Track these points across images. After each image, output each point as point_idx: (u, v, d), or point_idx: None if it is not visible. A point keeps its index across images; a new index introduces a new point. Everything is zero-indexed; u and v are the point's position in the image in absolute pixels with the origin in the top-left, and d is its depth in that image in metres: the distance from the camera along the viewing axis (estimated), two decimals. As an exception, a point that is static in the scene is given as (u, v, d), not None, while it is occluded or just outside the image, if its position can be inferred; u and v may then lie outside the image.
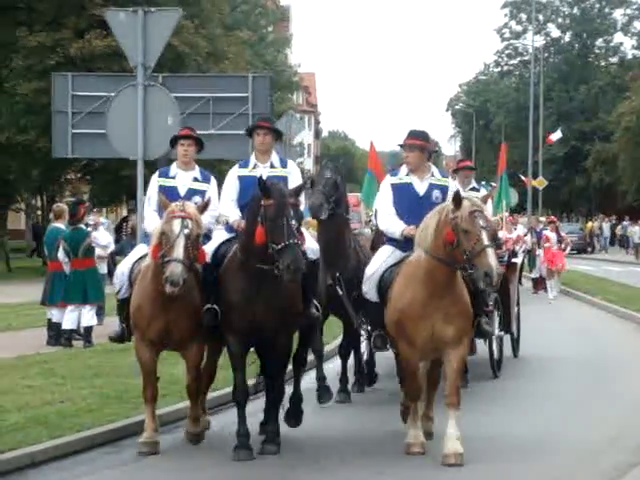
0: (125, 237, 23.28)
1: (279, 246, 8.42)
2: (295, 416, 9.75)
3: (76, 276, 15.56)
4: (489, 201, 10.19)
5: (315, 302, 9.30)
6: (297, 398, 9.87)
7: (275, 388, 9.25)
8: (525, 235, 28.16)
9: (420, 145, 9.25)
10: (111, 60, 28.87)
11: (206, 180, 9.68)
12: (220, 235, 9.50)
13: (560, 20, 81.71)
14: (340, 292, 10.90)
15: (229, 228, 9.40)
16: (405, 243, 9.06)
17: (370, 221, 14.49)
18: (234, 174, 9.58)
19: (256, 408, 9.71)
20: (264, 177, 9.00)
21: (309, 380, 11.74)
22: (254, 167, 9.47)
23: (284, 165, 9.62)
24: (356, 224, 14.71)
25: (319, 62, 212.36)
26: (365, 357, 12.52)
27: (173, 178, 9.60)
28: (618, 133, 63.12)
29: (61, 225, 16.26)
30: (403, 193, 9.22)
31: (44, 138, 26.96)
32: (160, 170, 9.88)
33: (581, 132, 74.03)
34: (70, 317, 15.54)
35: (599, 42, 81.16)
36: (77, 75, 16.26)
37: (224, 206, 9.49)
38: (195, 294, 8.98)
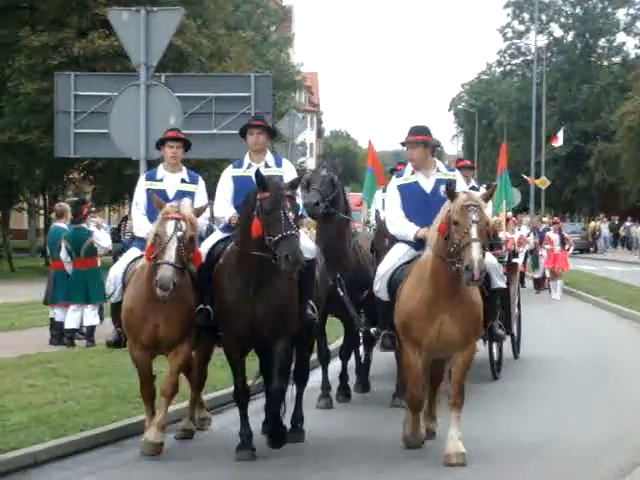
0: (124, 237, 23.28)
1: (276, 237, 8.28)
2: (295, 437, 9.48)
3: (78, 276, 15.56)
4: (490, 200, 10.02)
5: (311, 303, 9.10)
6: (299, 418, 9.65)
7: (274, 391, 8.96)
8: (528, 235, 28.18)
9: (423, 140, 9.10)
10: (114, 60, 28.87)
11: (194, 181, 9.55)
12: (215, 235, 9.40)
13: (563, 20, 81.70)
14: (341, 293, 10.75)
15: (225, 228, 9.30)
16: (419, 243, 8.90)
17: (369, 222, 14.40)
18: (228, 174, 9.48)
19: (257, 407, 9.70)
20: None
21: (310, 380, 11.68)
22: (248, 167, 9.33)
23: (279, 164, 9.49)
24: (357, 223, 14.66)
25: (321, 62, 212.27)
26: (362, 359, 12.34)
27: (161, 181, 9.45)
28: (621, 133, 63.06)
29: (63, 224, 16.27)
30: (410, 193, 9.03)
31: (47, 138, 26.96)
32: (147, 173, 9.76)
33: (584, 132, 74.01)
34: (73, 317, 15.55)
35: (602, 42, 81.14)
36: (80, 75, 16.32)
37: (219, 207, 9.40)
38: (188, 297, 8.86)
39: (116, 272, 9.29)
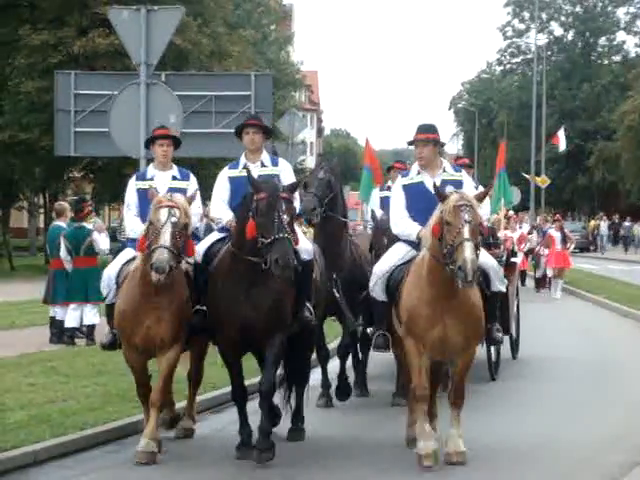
0: (119, 236, 23.23)
1: (268, 240, 8.21)
2: (296, 437, 9.51)
3: (78, 274, 15.56)
4: (486, 199, 9.94)
5: (309, 305, 8.98)
6: (299, 417, 9.63)
7: (264, 384, 8.79)
8: (529, 233, 28.19)
9: (434, 138, 8.93)
10: (114, 58, 28.85)
11: (185, 178, 9.45)
12: (212, 236, 9.30)
13: (563, 18, 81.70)
14: (337, 294, 10.62)
15: (222, 229, 9.22)
16: (421, 243, 8.76)
17: (367, 220, 14.34)
18: (224, 175, 9.40)
19: (256, 407, 9.67)
20: (255, 176, 8.82)
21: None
22: (244, 167, 9.19)
23: (275, 163, 9.40)
24: (357, 222, 14.64)
25: (321, 60, 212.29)
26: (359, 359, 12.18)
27: (151, 180, 9.34)
28: (621, 132, 63.08)
29: (62, 223, 16.27)
30: (415, 193, 8.88)
31: (47, 136, 26.95)
32: (137, 174, 9.66)
33: (584, 131, 73.99)
34: (73, 315, 15.55)
35: (602, 40, 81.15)
36: (80, 73, 16.31)
37: (215, 208, 9.33)
38: (182, 295, 8.77)
39: (110, 273, 9.19)
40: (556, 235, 26.64)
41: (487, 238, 12.71)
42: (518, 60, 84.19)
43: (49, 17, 32.79)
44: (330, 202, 10.98)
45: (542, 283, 28.30)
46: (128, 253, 9.23)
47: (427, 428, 8.64)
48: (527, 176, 52.22)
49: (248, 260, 8.45)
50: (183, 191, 9.21)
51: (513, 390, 12.75)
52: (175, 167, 9.54)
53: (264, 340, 8.71)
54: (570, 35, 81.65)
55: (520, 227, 26.21)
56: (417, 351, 8.58)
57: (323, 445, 9.50)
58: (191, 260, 8.99)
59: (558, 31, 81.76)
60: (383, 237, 10.12)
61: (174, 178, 9.41)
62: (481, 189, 12.29)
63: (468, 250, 7.96)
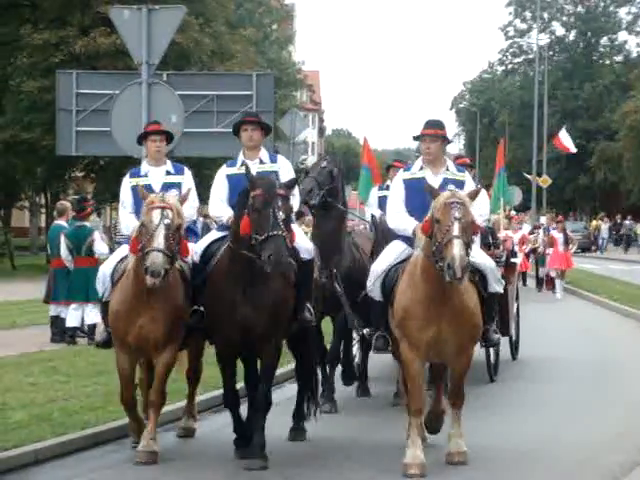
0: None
1: (262, 237, 8.11)
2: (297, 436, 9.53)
3: (79, 274, 15.56)
4: (483, 197, 9.73)
5: (309, 306, 8.83)
6: (301, 417, 9.59)
7: (259, 396, 8.75)
8: (530, 234, 28.21)
9: (442, 135, 8.79)
10: (115, 58, 28.85)
11: (179, 172, 9.34)
12: (211, 235, 9.19)
13: (565, 18, 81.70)
14: (338, 289, 10.45)
15: (222, 227, 9.13)
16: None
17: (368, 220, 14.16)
18: (222, 174, 9.25)
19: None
20: (253, 173, 8.77)
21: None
22: (242, 164, 9.08)
23: (274, 160, 9.28)
24: (359, 222, 14.53)
25: (323, 60, 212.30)
26: (356, 360, 12.02)
27: (145, 176, 9.24)
28: (623, 132, 63.07)
29: (63, 222, 16.27)
30: (415, 189, 8.70)
31: (49, 136, 26.94)
32: (130, 171, 9.51)
33: (585, 131, 73.94)
34: (74, 315, 15.55)
35: (604, 40, 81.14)
36: (81, 73, 16.29)
37: (215, 206, 9.18)
38: (177, 295, 8.66)
39: (105, 271, 9.12)
40: (558, 236, 26.67)
41: (486, 238, 12.67)
42: (520, 60, 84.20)
43: (51, 16, 32.80)
44: (330, 190, 10.79)
45: (546, 283, 28.25)
46: (123, 250, 9.13)
47: (418, 439, 8.46)
48: (528, 176, 52.20)
49: (245, 256, 8.35)
50: (178, 186, 9.14)
51: (513, 390, 12.74)
52: (169, 162, 9.44)
53: (262, 341, 8.61)
54: (572, 35, 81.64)
55: (520, 228, 26.21)
56: (412, 356, 8.40)
57: (324, 445, 9.49)
58: (188, 259, 8.90)
59: (560, 31, 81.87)
60: (384, 242, 9.94)
61: (168, 173, 9.31)
62: (481, 190, 12.25)
63: (457, 247, 7.82)
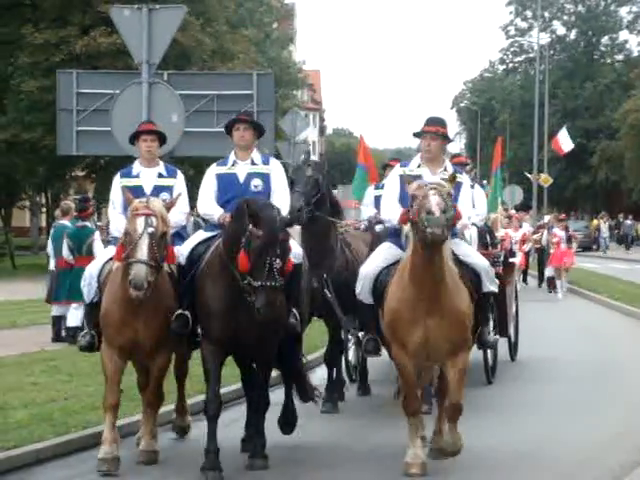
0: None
1: (256, 283, 7.86)
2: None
3: (80, 274, 15.51)
4: (480, 195, 9.52)
5: (294, 311, 8.58)
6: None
7: (259, 399, 8.68)
8: (533, 233, 28.22)
9: (443, 133, 8.65)
10: (116, 57, 28.86)
11: (172, 175, 9.13)
12: (197, 235, 8.98)
13: (566, 17, 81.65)
14: (328, 295, 10.33)
15: (210, 227, 8.91)
16: (406, 240, 8.37)
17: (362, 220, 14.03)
18: (212, 172, 9.04)
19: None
20: (244, 174, 8.62)
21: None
22: (233, 164, 8.97)
23: (266, 162, 9.06)
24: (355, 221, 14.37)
25: (324, 59, 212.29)
26: (353, 362, 11.86)
27: (137, 177, 9.04)
28: (624, 131, 63.04)
29: (67, 222, 16.27)
30: None
31: (50, 135, 26.97)
32: (121, 171, 9.25)
33: (586, 130, 73.93)
34: (75, 315, 15.53)
35: (605, 39, 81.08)
36: (82, 72, 16.30)
37: (204, 205, 8.96)
38: (169, 298, 8.44)
39: (91, 271, 8.88)
40: (561, 234, 26.71)
41: (484, 237, 12.62)
42: (520, 59, 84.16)
43: (51, 16, 32.82)
44: (318, 202, 10.60)
45: (549, 283, 28.21)
46: (110, 251, 8.93)
47: (418, 438, 8.41)
48: (529, 175, 52.19)
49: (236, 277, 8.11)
50: (169, 189, 8.98)
51: (513, 391, 12.71)
52: (162, 163, 9.23)
53: (256, 347, 8.42)
54: (573, 34, 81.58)
55: (521, 226, 26.23)
56: (404, 359, 8.30)
57: (325, 445, 9.49)
58: (174, 265, 8.64)
59: (561, 30, 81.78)
60: (379, 243, 9.80)
61: (160, 175, 9.09)
62: (477, 188, 12.12)
63: (433, 198, 7.60)
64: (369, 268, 8.63)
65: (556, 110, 71.21)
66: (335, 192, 14.63)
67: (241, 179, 8.97)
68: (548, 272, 28.37)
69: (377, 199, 11.63)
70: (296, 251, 8.71)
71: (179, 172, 9.27)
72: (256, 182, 8.95)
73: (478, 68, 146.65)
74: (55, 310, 16.00)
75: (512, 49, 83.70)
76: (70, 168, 36.36)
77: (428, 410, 9.90)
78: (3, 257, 36.63)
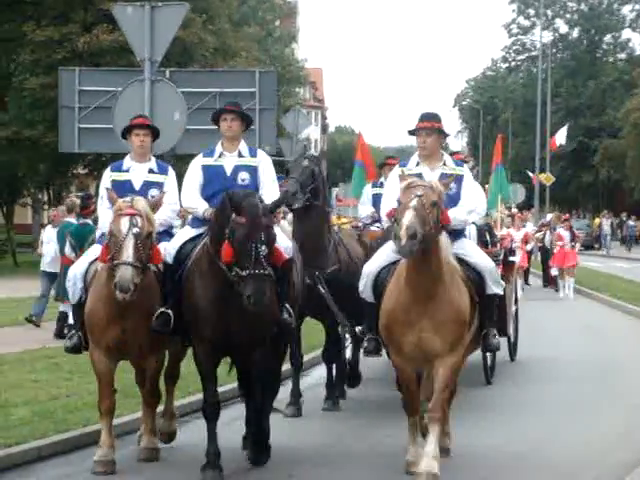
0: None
1: (243, 272, 7.66)
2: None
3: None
4: (479, 193, 9.45)
5: (287, 307, 8.39)
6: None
7: (256, 397, 8.55)
8: (535, 233, 28.21)
9: (439, 127, 8.46)
10: (118, 55, 28.87)
11: (163, 171, 8.92)
12: (184, 232, 8.73)
13: (568, 16, 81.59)
14: (322, 291, 10.20)
15: (196, 222, 8.67)
16: None
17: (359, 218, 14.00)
18: (197, 163, 8.79)
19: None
20: (231, 166, 8.51)
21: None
22: (220, 156, 8.73)
23: (253, 154, 8.81)
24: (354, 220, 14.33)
25: (326, 57, 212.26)
26: (348, 357, 11.83)
27: (127, 171, 8.83)
28: (626, 129, 63.01)
29: (72, 219, 16.27)
30: None
31: (52, 133, 26.97)
32: (112, 164, 9.05)
33: (589, 128, 73.90)
34: (76, 312, 15.52)
35: (607, 38, 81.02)
36: (84, 70, 16.32)
37: (188, 197, 8.71)
38: (155, 297, 8.28)
39: (76, 271, 8.69)
40: (565, 234, 26.71)
41: (483, 236, 12.58)
42: (523, 57, 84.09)
43: (53, 13, 32.83)
44: (313, 192, 10.45)
45: (553, 282, 28.22)
46: (96, 250, 8.65)
47: (418, 437, 8.37)
48: (531, 174, 52.15)
49: (224, 272, 7.94)
50: (160, 185, 8.82)
51: (513, 391, 12.69)
52: (153, 159, 9.01)
53: (248, 347, 8.28)
54: (575, 32, 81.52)
55: (524, 226, 26.21)
56: (402, 363, 8.21)
57: (326, 443, 9.49)
58: (160, 264, 8.47)
59: (563, 28, 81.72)
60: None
61: (151, 171, 8.88)
62: (477, 186, 12.04)
63: (407, 217, 7.43)
64: (372, 266, 8.51)
65: (558, 108, 71.16)
66: (336, 190, 14.64)
67: (228, 172, 8.75)
68: (554, 272, 28.33)
69: (374, 197, 11.59)
70: (286, 245, 8.54)
71: (171, 169, 9.10)
72: (243, 175, 8.73)
73: (480, 66, 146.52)
74: (62, 306, 16.00)
75: (514, 47, 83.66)
76: (72, 165, 36.37)
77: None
78: (5, 254, 36.61)
